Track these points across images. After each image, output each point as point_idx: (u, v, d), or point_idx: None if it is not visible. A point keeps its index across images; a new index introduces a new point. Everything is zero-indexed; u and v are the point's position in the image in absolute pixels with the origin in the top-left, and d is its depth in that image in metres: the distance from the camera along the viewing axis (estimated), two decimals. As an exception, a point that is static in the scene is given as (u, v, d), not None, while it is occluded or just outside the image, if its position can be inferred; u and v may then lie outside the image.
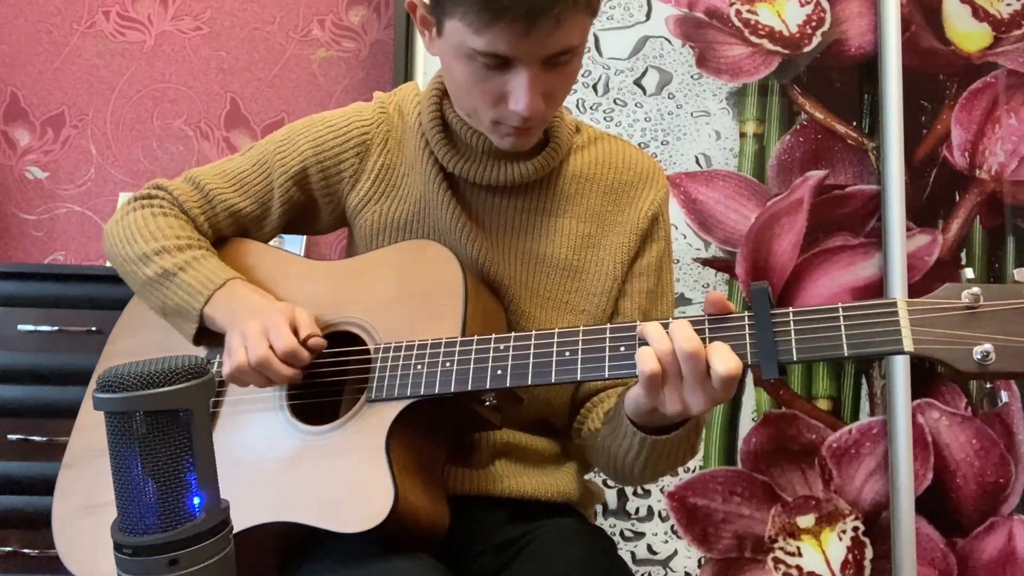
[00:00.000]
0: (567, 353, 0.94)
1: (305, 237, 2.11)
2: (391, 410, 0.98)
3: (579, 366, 0.94)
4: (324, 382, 1.05)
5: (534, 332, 0.97)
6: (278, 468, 1.02)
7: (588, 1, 0.97)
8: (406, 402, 0.98)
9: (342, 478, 0.97)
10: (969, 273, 0.84)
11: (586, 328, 0.95)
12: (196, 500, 0.67)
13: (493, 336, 0.98)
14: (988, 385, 0.84)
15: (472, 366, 0.97)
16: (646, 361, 0.88)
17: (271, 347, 0.99)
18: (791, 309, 0.87)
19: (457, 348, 0.99)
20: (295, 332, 1.02)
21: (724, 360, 0.86)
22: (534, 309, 1.13)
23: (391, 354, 1.01)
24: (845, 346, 0.84)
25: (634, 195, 1.17)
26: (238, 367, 1.00)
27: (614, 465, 1.05)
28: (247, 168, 1.18)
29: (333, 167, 1.16)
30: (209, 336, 1.10)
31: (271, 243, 1.22)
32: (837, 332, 0.85)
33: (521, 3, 0.91)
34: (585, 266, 1.14)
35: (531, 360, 0.95)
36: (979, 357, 0.80)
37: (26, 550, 1.76)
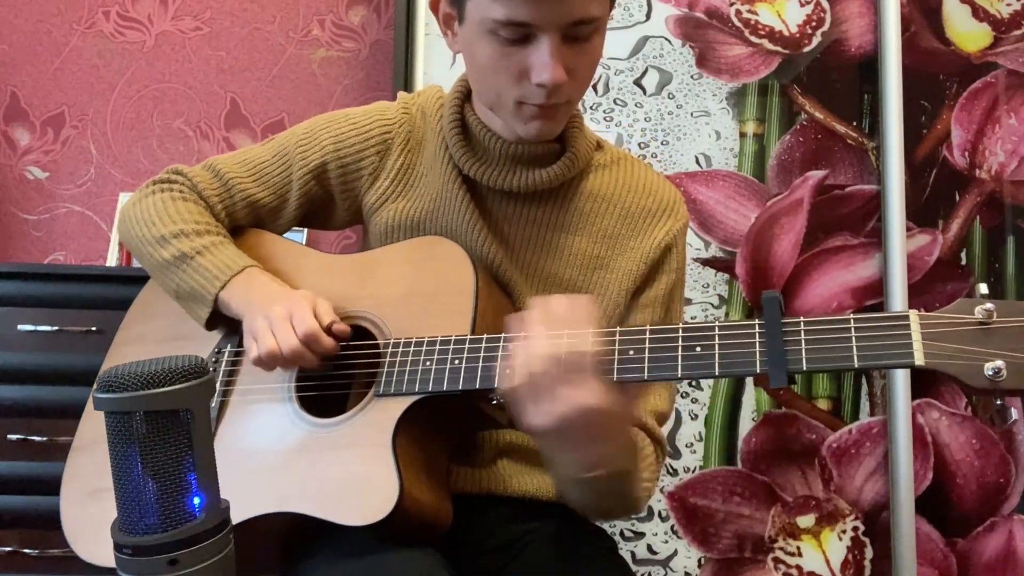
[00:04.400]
0: None
1: (306, 232, 2.11)
2: (399, 405, 0.99)
3: None
4: (333, 375, 1.06)
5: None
6: (285, 459, 1.02)
7: None
8: (414, 398, 0.99)
9: (347, 471, 0.98)
10: (983, 288, 0.83)
11: (594, 331, 0.95)
12: (196, 500, 0.67)
13: (503, 335, 0.98)
14: (998, 402, 0.84)
15: (481, 364, 0.97)
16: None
17: (295, 333, 1.01)
18: (802, 319, 0.87)
19: (467, 346, 0.99)
20: (316, 319, 1.03)
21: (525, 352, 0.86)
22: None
23: (400, 349, 1.02)
24: (856, 357, 0.84)
25: (650, 222, 1.14)
26: (269, 353, 1.01)
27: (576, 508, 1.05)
28: (268, 159, 1.18)
29: (353, 164, 1.16)
30: (223, 321, 1.10)
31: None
32: (848, 343, 0.85)
33: None
34: (589, 289, 1.13)
35: None
36: (990, 373, 0.80)
37: (26, 550, 1.75)
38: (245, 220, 1.19)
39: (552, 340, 0.86)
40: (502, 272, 1.12)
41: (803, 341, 0.86)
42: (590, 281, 1.13)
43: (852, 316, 0.86)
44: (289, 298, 1.05)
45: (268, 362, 1.02)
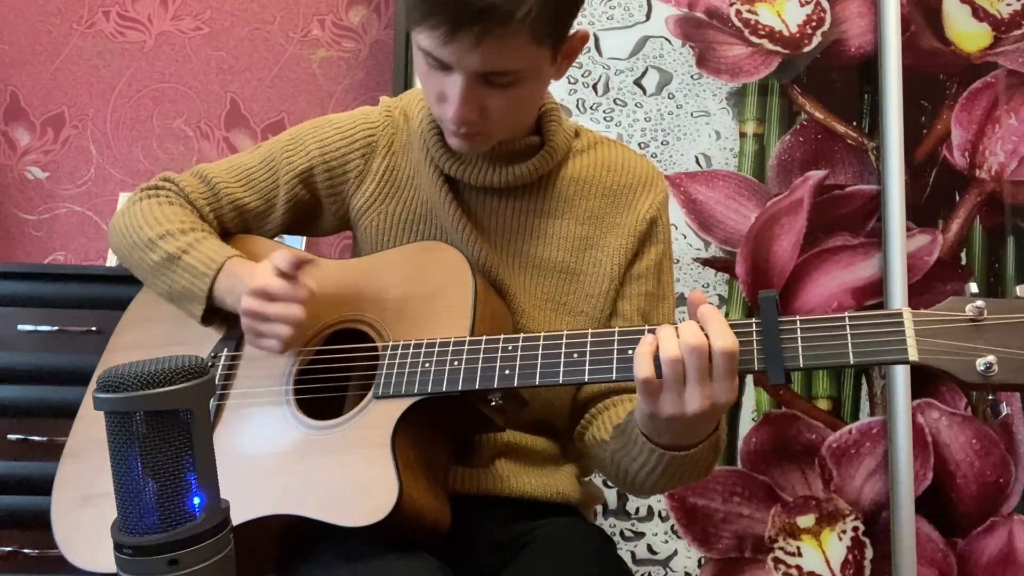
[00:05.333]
0: (575, 355, 0.95)
1: (305, 238, 2.11)
2: (397, 407, 0.99)
3: (587, 368, 0.94)
4: (331, 378, 1.06)
5: (543, 333, 0.98)
6: (283, 462, 1.02)
7: (531, 28, 0.93)
8: (413, 399, 0.99)
9: (346, 473, 0.97)
10: (973, 287, 0.86)
11: (594, 331, 0.96)
12: (196, 500, 0.67)
13: (502, 336, 0.98)
14: (990, 396, 0.85)
15: (480, 365, 0.97)
16: (640, 367, 0.88)
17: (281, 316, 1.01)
18: (798, 317, 0.89)
19: (465, 347, 0.99)
20: (282, 274, 1.03)
21: (722, 337, 0.86)
22: (533, 311, 1.13)
23: (399, 351, 1.02)
24: (851, 354, 0.86)
25: (632, 198, 1.17)
26: (282, 343, 1.02)
27: (625, 478, 1.04)
28: (255, 165, 1.20)
29: (339, 168, 1.17)
30: (220, 316, 1.11)
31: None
32: (843, 340, 0.87)
33: (447, 8, 0.92)
34: (583, 268, 1.14)
35: (539, 361, 0.96)
36: (982, 369, 0.82)
37: (26, 550, 1.76)
38: (233, 224, 1.20)
39: (697, 334, 0.87)
40: (491, 267, 1.12)
41: (799, 339, 0.88)
42: (582, 261, 1.14)
43: (847, 314, 0.88)
44: (250, 281, 1.03)
45: (287, 348, 1.03)
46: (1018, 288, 0.85)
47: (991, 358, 0.82)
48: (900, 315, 0.86)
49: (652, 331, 0.91)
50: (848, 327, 0.87)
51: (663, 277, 1.18)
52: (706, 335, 0.87)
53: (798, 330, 0.88)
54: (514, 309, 1.12)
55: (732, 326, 0.90)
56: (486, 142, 1.07)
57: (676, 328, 0.89)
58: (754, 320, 0.90)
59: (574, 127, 1.19)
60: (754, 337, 0.89)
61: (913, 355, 0.84)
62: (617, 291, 1.15)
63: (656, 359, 0.88)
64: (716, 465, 1.09)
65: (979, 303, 0.83)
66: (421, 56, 1.00)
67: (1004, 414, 0.85)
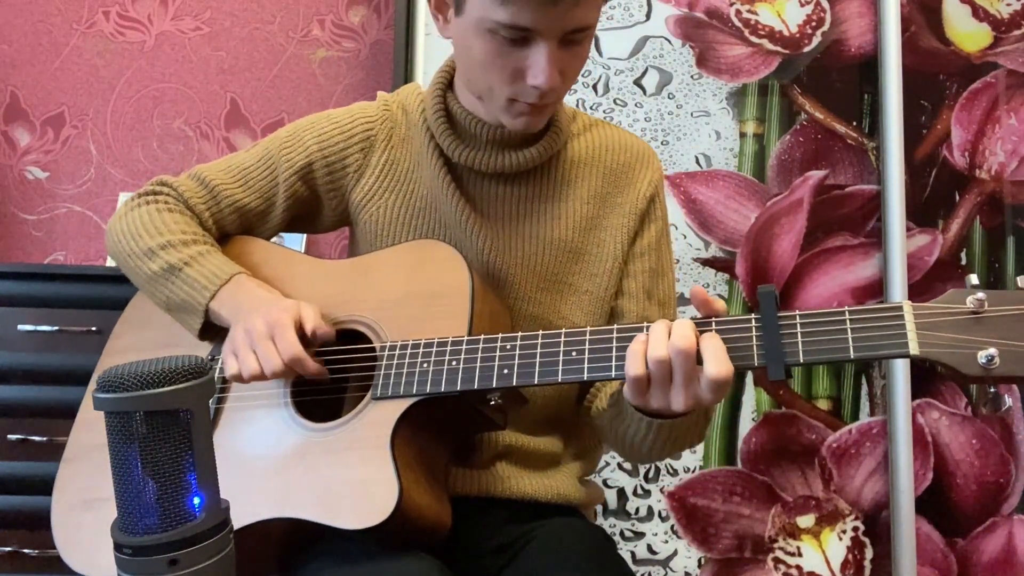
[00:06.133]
0: (574, 353, 0.95)
1: (305, 236, 2.11)
2: (396, 408, 0.98)
3: (586, 366, 0.94)
4: (329, 379, 1.05)
5: (541, 332, 0.97)
6: (282, 464, 1.02)
7: None
8: (411, 400, 0.98)
9: (346, 475, 0.97)
10: (974, 279, 0.85)
11: (593, 328, 0.96)
12: (196, 500, 0.67)
13: (500, 335, 0.98)
14: (992, 389, 0.85)
15: (478, 365, 0.97)
16: (632, 365, 0.89)
17: (278, 351, 1.00)
18: (798, 312, 0.88)
19: (464, 347, 0.99)
20: (300, 329, 1.02)
21: (716, 363, 0.87)
22: (538, 293, 1.13)
23: (397, 352, 1.01)
24: (851, 348, 0.85)
25: (632, 176, 1.18)
26: (252, 375, 1.00)
27: (623, 445, 1.07)
28: (252, 164, 1.19)
29: (338, 162, 1.17)
30: (214, 331, 1.10)
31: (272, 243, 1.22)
32: (843, 335, 0.86)
33: None
34: (588, 247, 1.15)
35: (538, 359, 0.96)
36: (984, 361, 0.81)
37: (26, 550, 1.76)
38: (233, 226, 1.19)
39: (686, 337, 0.88)
40: (495, 259, 1.12)
41: (799, 334, 0.87)
42: (588, 241, 1.16)
43: (847, 308, 0.87)
44: (271, 310, 1.03)
45: (248, 382, 1.02)
46: (1019, 279, 0.85)
47: (992, 350, 0.81)
48: (900, 308, 0.85)
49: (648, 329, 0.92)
50: (848, 321, 0.86)
51: (663, 253, 1.20)
52: (699, 350, 0.88)
53: (798, 325, 0.88)
54: (520, 295, 1.13)
55: (731, 321, 0.90)
56: (548, 113, 1.09)
57: (670, 328, 0.90)
58: (753, 316, 0.90)
59: (571, 110, 1.21)
60: (753, 333, 0.89)
61: (914, 348, 0.83)
62: (621, 270, 1.16)
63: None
64: (709, 428, 1.14)
65: (980, 295, 0.82)
66: (490, 38, 1.00)
67: (1007, 407, 0.84)
